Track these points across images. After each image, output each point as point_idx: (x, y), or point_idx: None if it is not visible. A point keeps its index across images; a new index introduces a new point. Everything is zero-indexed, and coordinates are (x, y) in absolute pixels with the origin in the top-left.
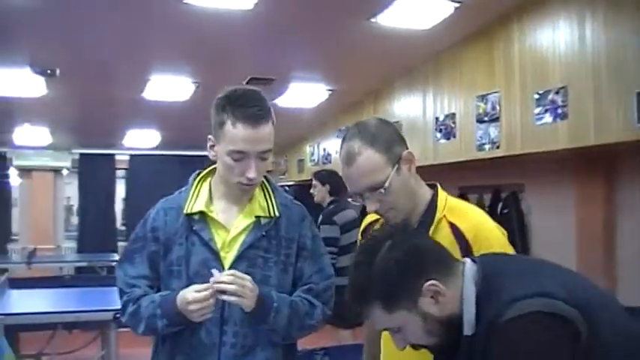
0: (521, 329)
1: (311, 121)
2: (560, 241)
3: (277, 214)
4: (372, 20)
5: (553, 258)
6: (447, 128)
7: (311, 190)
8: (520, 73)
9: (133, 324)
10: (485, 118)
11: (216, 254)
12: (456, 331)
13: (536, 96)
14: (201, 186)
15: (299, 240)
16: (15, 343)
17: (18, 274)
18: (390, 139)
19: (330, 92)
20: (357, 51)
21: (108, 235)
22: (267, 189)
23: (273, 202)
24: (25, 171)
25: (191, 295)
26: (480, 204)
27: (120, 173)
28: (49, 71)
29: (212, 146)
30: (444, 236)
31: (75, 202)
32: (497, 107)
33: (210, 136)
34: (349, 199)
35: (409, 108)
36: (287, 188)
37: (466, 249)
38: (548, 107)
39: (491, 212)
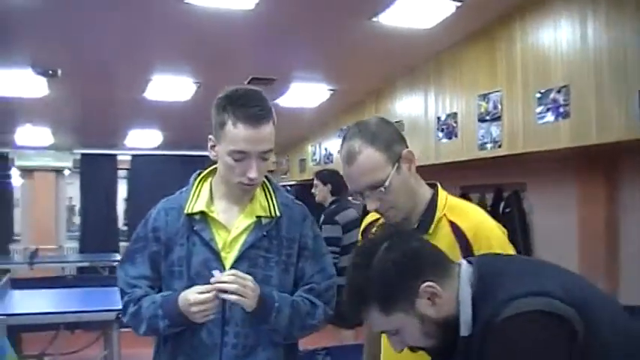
0: (517, 328)
1: (312, 120)
2: (562, 240)
3: (278, 213)
4: (374, 20)
5: (555, 257)
6: (448, 127)
7: (312, 190)
8: (522, 72)
9: (135, 324)
10: (487, 118)
11: (217, 254)
12: (452, 332)
13: (538, 95)
14: (201, 186)
15: (300, 240)
16: (17, 344)
17: (20, 274)
18: (390, 138)
19: (331, 92)
20: (359, 50)
21: (110, 235)
22: (268, 189)
23: (274, 201)
24: (26, 171)
25: (193, 296)
26: (481, 203)
27: (121, 173)
28: (50, 72)
29: (213, 146)
30: (444, 235)
31: (77, 203)
32: (499, 106)
33: (210, 136)
34: (349, 198)
35: (411, 107)
36: (289, 188)
37: (466, 248)
38: (550, 106)
39: (494, 211)
